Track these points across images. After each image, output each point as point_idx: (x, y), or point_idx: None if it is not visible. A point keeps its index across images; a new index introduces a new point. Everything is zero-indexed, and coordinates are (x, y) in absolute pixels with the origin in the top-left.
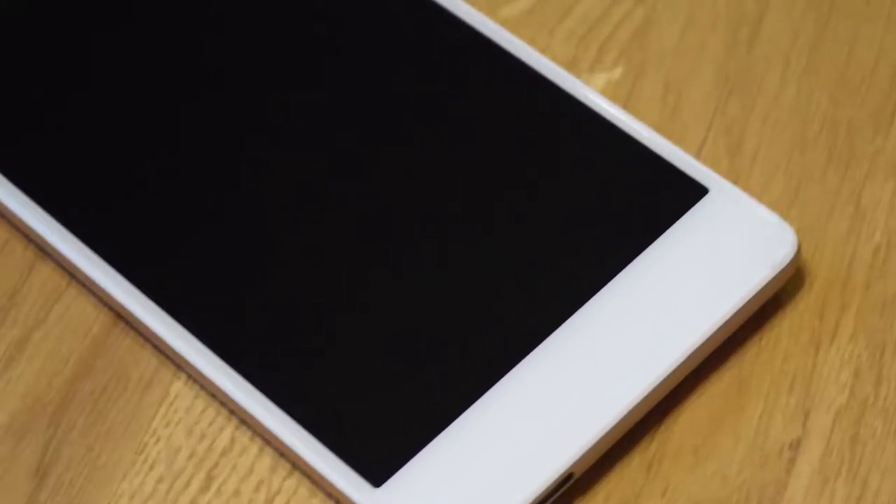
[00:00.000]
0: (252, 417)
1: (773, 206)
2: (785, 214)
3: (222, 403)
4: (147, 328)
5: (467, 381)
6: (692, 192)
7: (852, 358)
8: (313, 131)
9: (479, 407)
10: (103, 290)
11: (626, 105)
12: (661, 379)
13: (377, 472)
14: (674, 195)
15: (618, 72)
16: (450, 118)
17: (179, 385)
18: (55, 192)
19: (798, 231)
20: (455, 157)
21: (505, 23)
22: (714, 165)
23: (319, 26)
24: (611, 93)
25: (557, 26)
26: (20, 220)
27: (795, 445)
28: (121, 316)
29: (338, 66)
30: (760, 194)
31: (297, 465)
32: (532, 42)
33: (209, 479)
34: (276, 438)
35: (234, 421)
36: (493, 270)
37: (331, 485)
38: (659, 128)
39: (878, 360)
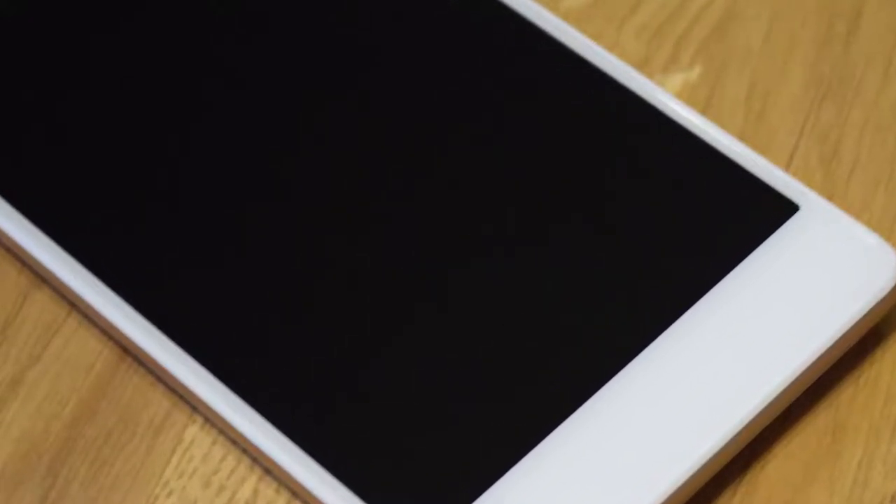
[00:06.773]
0: (278, 466)
1: (873, 225)
2: (887, 235)
3: (244, 450)
4: (158, 364)
5: (524, 424)
6: (781, 209)
7: None
8: (358, 142)
9: (536, 455)
10: (108, 322)
11: (706, 110)
12: (744, 423)
13: None
14: (760, 213)
15: (696, 72)
16: (505, 124)
17: (195, 429)
18: (52, 209)
19: None
20: (509, 168)
21: (567, 16)
22: (806, 179)
23: (370, 24)
24: (688, 96)
25: (627, 20)
26: (13, 242)
27: None
28: (128, 351)
29: (387, 67)
30: (859, 212)
31: None
32: (598, 38)
33: None
34: (305, 491)
35: (258, 470)
36: (556, 301)
37: None
38: (743, 136)
39: None
